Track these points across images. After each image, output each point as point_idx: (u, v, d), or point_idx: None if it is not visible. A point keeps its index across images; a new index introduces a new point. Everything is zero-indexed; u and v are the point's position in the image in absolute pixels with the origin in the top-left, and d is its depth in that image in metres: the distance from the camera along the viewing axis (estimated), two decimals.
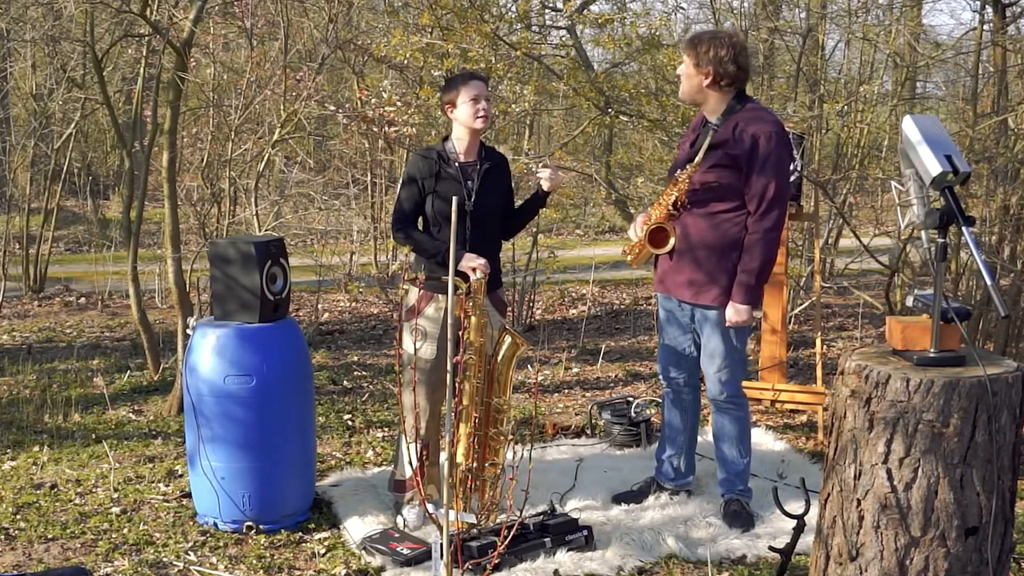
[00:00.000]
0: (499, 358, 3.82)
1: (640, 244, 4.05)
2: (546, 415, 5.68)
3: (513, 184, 4.24)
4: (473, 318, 3.76)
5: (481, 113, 3.92)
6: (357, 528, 3.96)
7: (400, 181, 4.19)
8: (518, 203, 4.24)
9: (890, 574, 2.62)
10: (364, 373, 6.63)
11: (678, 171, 3.96)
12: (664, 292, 4.09)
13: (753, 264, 3.85)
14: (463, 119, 3.94)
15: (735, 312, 3.89)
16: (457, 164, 3.97)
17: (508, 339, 3.81)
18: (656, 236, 3.99)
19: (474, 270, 3.79)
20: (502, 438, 3.84)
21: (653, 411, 5.12)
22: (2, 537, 3.95)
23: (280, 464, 3.99)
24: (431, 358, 3.96)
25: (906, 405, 2.58)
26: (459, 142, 3.99)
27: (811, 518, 3.06)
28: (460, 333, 3.02)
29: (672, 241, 3.96)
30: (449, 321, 3.01)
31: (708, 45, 3.83)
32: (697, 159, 3.85)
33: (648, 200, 7.35)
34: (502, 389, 3.83)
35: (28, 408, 5.74)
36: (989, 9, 6.82)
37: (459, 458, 3.80)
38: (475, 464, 3.82)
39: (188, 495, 4.26)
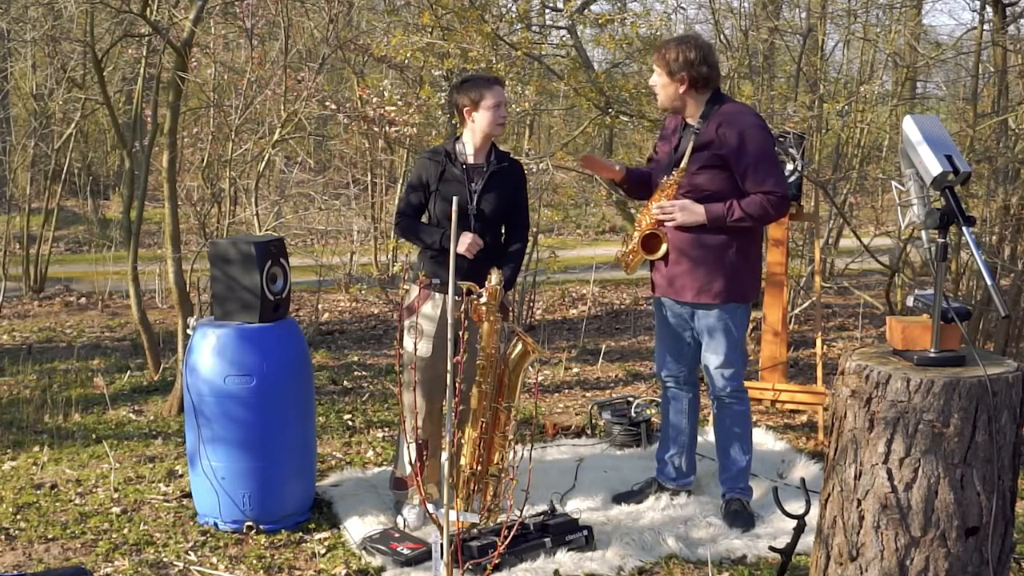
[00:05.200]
0: (510, 363, 3.82)
1: (633, 251, 4.09)
2: (546, 415, 5.68)
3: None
4: (486, 323, 3.76)
5: (501, 120, 3.95)
6: (357, 528, 3.96)
7: (407, 182, 4.20)
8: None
9: (890, 574, 2.62)
10: (364, 373, 6.63)
11: (664, 177, 3.98)
12: (662, 295, 4.10)
13: (739, 212, 3.84)
14: (483, 123, 3.94)
15: (689, 210, 3.88)
16: (464, 165, 3.97)
17: (520, 344, 3.81)
18: (648, 242, 4.03)
19: (490, 277, 3.80)
20: (507, 441, 3.84)
21: (653, 411, 5.12)
22: (2, 537, 3.95)
23: (280, 464, 3.99)
24: (427, 356, 3.96)
25: (906, 405, 2.58)
26: (470, 143, 3.99)
27: (811, 518, 3.06)
28: (461, 334, 3.01)
29: (664, 247, 3.98)
30: (449, 321, 3.01)
31: (677, 52, 3.86)
32: (683, 164, 3.88)
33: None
34: (511, 394, 3.84)
35: (28, 408, 5.74)
36: (989, 9, 6.82)
37: (463, 461, 3.81)
38: (479, 467, 3.82)
39: (188, 495, 4.26)
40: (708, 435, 4.49)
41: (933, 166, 2.68)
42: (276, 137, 6.27)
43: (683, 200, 3.91)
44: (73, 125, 9.86)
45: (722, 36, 8.51)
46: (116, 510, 4.21)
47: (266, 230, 6.79)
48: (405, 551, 3.67)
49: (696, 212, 3.88)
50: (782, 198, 3.88)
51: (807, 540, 3.22)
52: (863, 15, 8.89)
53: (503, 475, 3.84)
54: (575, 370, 6.76)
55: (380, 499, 4.26)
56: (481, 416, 3.80)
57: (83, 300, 9.28)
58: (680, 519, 4.06)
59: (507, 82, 6.26)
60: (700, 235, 3.92)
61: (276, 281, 4.06)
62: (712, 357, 4.04)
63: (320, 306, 8.80)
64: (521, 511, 3.57)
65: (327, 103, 6.86)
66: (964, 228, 2.64)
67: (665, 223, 3.96)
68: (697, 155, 3.87)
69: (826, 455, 2.84)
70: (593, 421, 5.35)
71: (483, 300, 3.75)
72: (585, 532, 3.80)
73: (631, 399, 5.32)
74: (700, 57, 3.85)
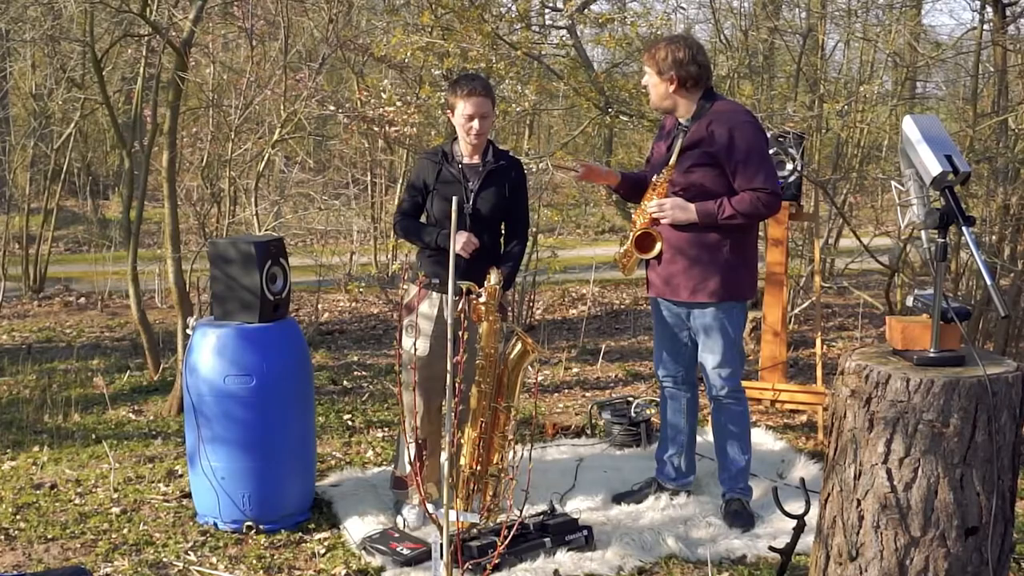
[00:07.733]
0: (509, 363, 3.82)
1: (629, 252, 4.10)
2: (546, 415, 5.68)
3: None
4: (486, 323, 3.76)
5: (473, 133, 3.90)
6: (357, 528, 3.96)
7: (407, 183, 4.19)
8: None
9: (890, 574, 2.62)
10: (364, 373, 6.63)
11: (655, 175, 4.00)
12: (658, 295, 4.11)
13: (730, 210, 3.84)
14: (457, 129, 3.95)
15: (680, 207, 3.88)
16: (460, 165, 3.97)
17: (519, 344, 3.81)
18: (643, 242, 4.03)
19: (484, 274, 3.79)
20: (507, 441, 3.84)
21: (653, 411, 5.12)
22: (2, 537, 3.95)
23: (280, 464, 3.99)
24: (424, 354, 3.96)
25: (906, 405, 2.58)
26: (464, 143, 3.99)
27: (811, 518, 3.06)
28: (460, 334, 3.00)
29: (659, 246, 3.99)
30: (449, 321, 3.01)
31: (666, 51, 3.89)
32: (672, 161, 3.89)
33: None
34: (511, 394, 3.83)
35: (28, 408, 5.73)
36: (989, 9, 6.82)
37: (463, 460, 3.81)
38: (479, 467, 3.82)
39: (188, 495, 4.26)
40: (707, 435, 4.49)
41: (933, 166, 2.68)
42: (276, 137, 6.28)
43: (675, 198, 3.92)
44: (73, 125, 9.85)
45: (722, 36, 8.51)
46: (116, 510, 4.21)
47: (266, 230, 6.80)
48: (405, 551, 3.67)
49: (688, 210, 3.89)
50: (772, 195, 3.87)
51: (807, 540, 3.22)
52: (863, 15, 8.89)
53: (503, 475, 3.84)
54: (575, 370, 6.76)
55: (380, 499, 4.26)
56: (481, 416, 3.80)
57: (83, 300, 9.28)
58: (680, 519, 4.06)
59: (507, 82, 6.26)
60: (695, 234, 3.93)
61: (276, 281, 4.06)
62: (709, 357, 4.04)
63: (320, 306, 8.79)
64: (521, 511, 3.57)
65: (327, 103, 6.86)
66: (964, 228, 2.64)
67: (659, 221, 3.97)
68: (688, 153, 3.88)
69: (826, 455, 2.84)
70: (593, 421, 5.35)
71: (482, 300, 3.75)
72: (585, 532, 3.80)
73: (631, 399, 5.32)
74: (689, 56, 3.87)
